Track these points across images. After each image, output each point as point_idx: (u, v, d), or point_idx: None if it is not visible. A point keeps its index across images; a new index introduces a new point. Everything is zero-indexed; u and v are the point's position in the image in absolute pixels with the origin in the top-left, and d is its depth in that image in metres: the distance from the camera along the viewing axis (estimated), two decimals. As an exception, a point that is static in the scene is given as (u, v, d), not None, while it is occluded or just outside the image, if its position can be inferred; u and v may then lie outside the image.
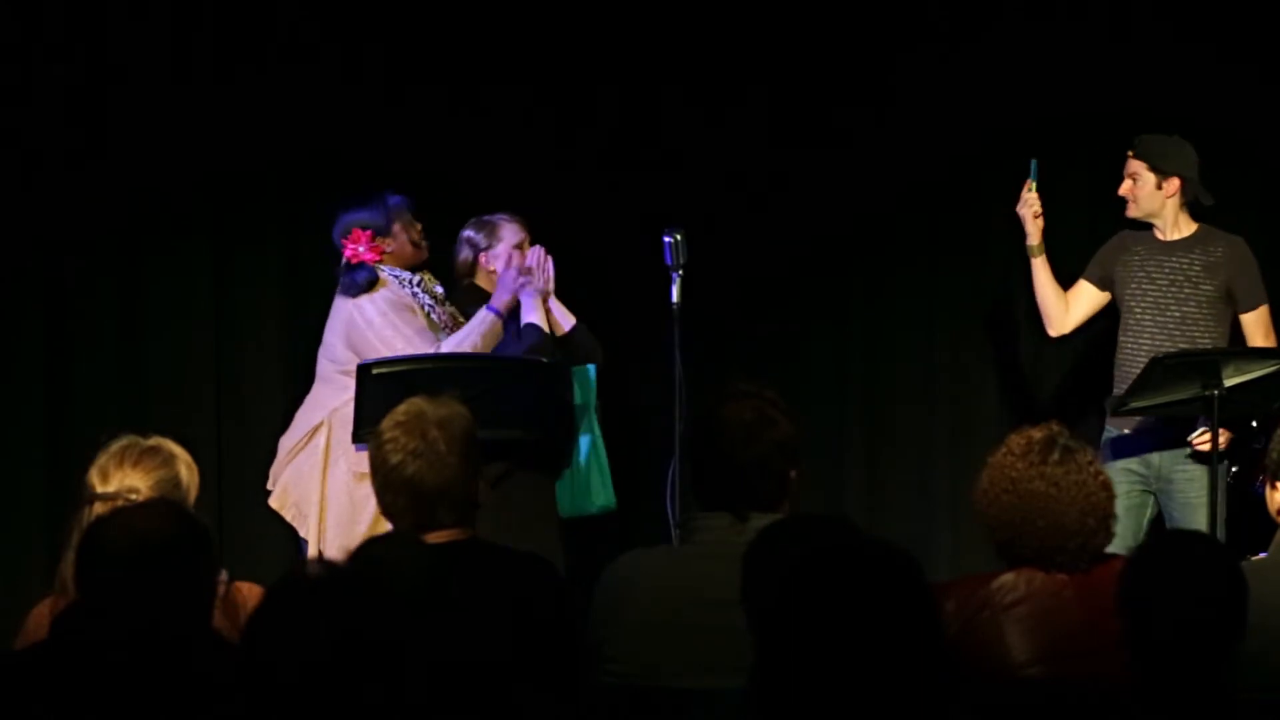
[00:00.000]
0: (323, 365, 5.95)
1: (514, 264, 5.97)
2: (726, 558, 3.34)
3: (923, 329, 7.20)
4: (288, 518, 5.89)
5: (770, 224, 7.11)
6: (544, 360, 5.72)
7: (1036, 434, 3.82)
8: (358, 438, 5.56)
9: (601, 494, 6.01)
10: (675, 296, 5.84)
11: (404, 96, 6.83)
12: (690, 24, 7.06)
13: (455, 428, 3.78)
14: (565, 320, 6.05)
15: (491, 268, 6.05)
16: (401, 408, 3.83)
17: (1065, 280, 6.37)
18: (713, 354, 6.71)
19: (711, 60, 7.08)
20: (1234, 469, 5.95)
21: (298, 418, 5.96)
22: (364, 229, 5.92)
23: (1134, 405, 5.94)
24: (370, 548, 3.41)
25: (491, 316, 5.87)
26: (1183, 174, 6.21)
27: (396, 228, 5.96)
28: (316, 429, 5.87)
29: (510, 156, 6.80)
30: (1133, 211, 6.27)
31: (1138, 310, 6.23)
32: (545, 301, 5.98)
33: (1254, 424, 5.82)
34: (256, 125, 6.62)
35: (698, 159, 7.06)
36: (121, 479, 3.77)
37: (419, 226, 6.02)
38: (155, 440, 3.88)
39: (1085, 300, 6.35)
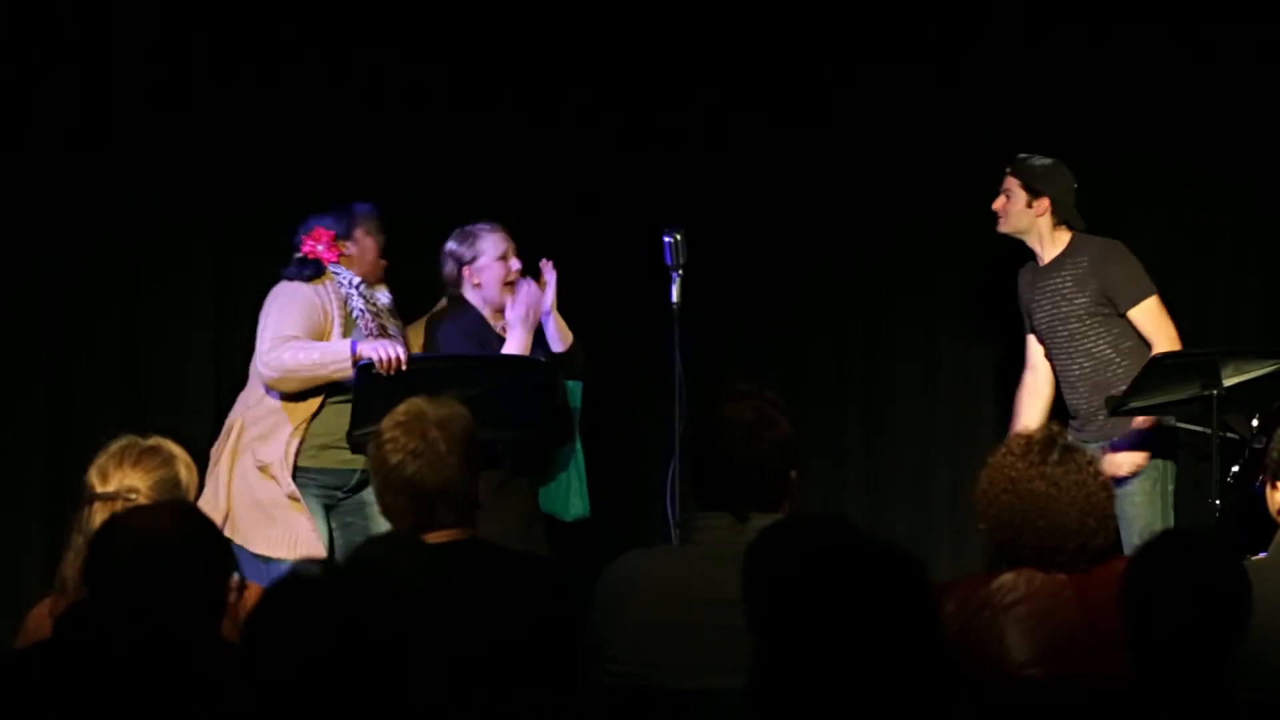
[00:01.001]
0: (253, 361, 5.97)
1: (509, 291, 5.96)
2: (726, 558, 3.33)
3: (923, 329, 7.21)
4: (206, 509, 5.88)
5: (770, 224, 7.11)
6: (543, 360, 5.72)
7: (1036, 434, 3.82)
8: (356, 438, 5.57)
9: (579, 504, 6.04)
10: (675, 296, 5.84)
11: (403, 97, 6.83)
12: (689, 24, 7.06)
13: (455, 428, 3.78)
14: (557, 342, 6.02)
15: (476, 280, 6.03)
16: (401, 408, 3.83)
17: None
18: (713, 354, 6.72)
19: (711, 60, 7.08)
20: (1234, 469, 5.95)
21: (229, 416, 5.98)
22: (326, 230, 5.94)
23: (1133, 405, 5.95)
24: (370, 548, 3.41)
25: (345, 347, 5.73)
26: (1054, 196, 6.29)
27: (359, 233, 5.98)
28: (229, 429, 5.89)
29: (510, 157, 6.80)
30: (1003, 227, 6.37)
31: (1042, 337, 6.36)
32: (535, 323, 5.94)
33: (1254, 423, 5.82)
34: (256, 125, 6.62)
35: (698, 159, 7.06)
36: (121, 479, 3.77)
37: (381, 236, 6.03)
38: (154, 440, 3.88)
39: (1032, 351, 6.43)
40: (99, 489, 3.76)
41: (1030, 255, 6.42)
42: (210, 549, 3.20)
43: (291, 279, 5.91)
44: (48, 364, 6.48)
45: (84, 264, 6.53)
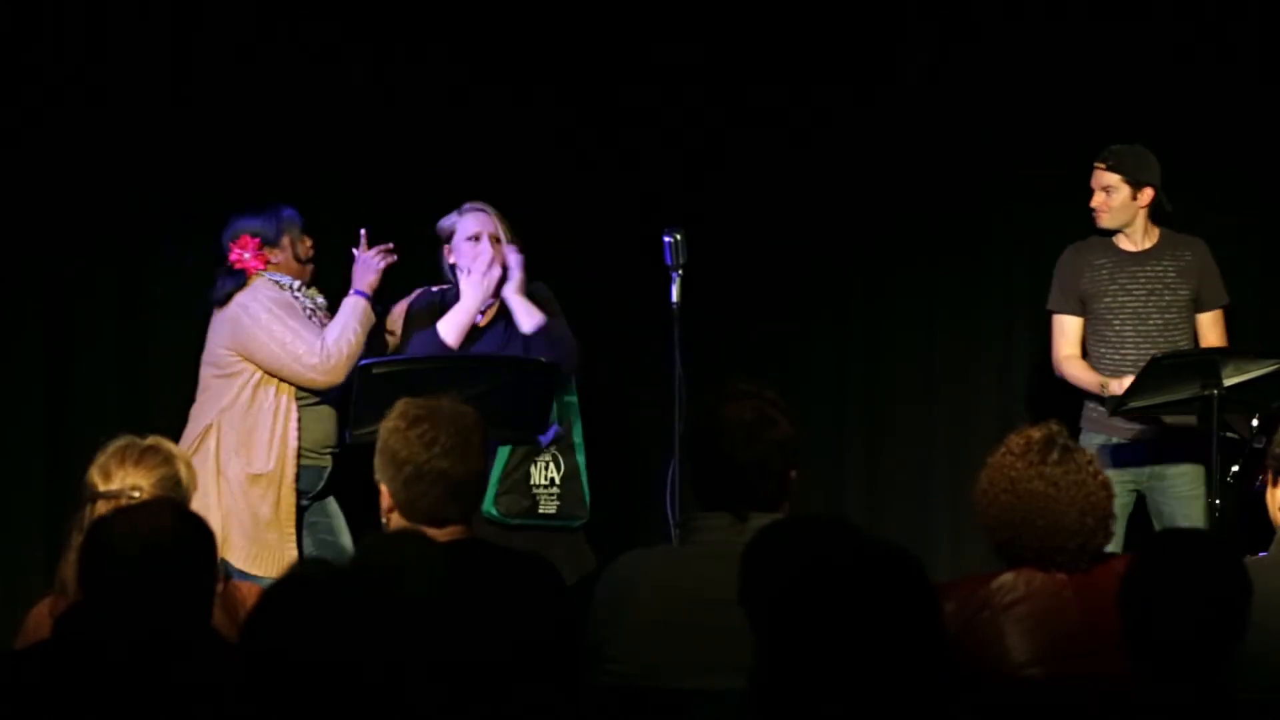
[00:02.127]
0: (204, 376, 5.95)
1: (461, 258, 5.96)
2: (726, 558, 3.33)
3: (923, 329, 7.21)
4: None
5: (770, 224, 7.11)
6: (543, 360, 5.72)
7: (1036, 434, 3.82)
8: (355, 436, 5.56)
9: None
10: (675, 296, 5.83)
11: (402, 96, 6.83)
12: (690, 25, 7.06)
13: (469, 420, 3.79)
14: (526, 320, 5.99)
15: (452, 259, 6.04)
16: (415, 402, 3.82)
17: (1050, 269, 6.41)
18: (713, 354, 6.71)
19: (711, 60, 7.08)
20: (1234, 468, 5.96)
21: (185, 432, 5.90)
22: (253, 236, 5.92)
23: (1133, 405, 5.95)
24: (378, 546, 3.41)
25: (354, 299, 5.90)
26: (1155, 183, 6.29)
27: (285, 240, 5.97)
28: (205, 432, 5.84)
29: (510, 157, 6.80)
30: (1106, 222, 6.32)
31: (1116, 322, 6.30)
32: (497, 297, 5.94)
33: (1254, 423, 5.82)
34: (257, 125, 6.62)
35: (698, 159, 7.06)
36: (124, 477, 3.77)
37: (308, 242, 6.03)
38: (153, 439, 3.89)
39: (1078, 333, 6.40)
40: (102, 487, 3.77)
41: (1070, 235, 6.41)
42: (203, 546, 3.20)
43: (224, 302, 5.87)
44: (48, 364, 6.49)
45: (84, 264, 6.54)
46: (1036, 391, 7.04)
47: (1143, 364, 6.02)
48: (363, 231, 6.02)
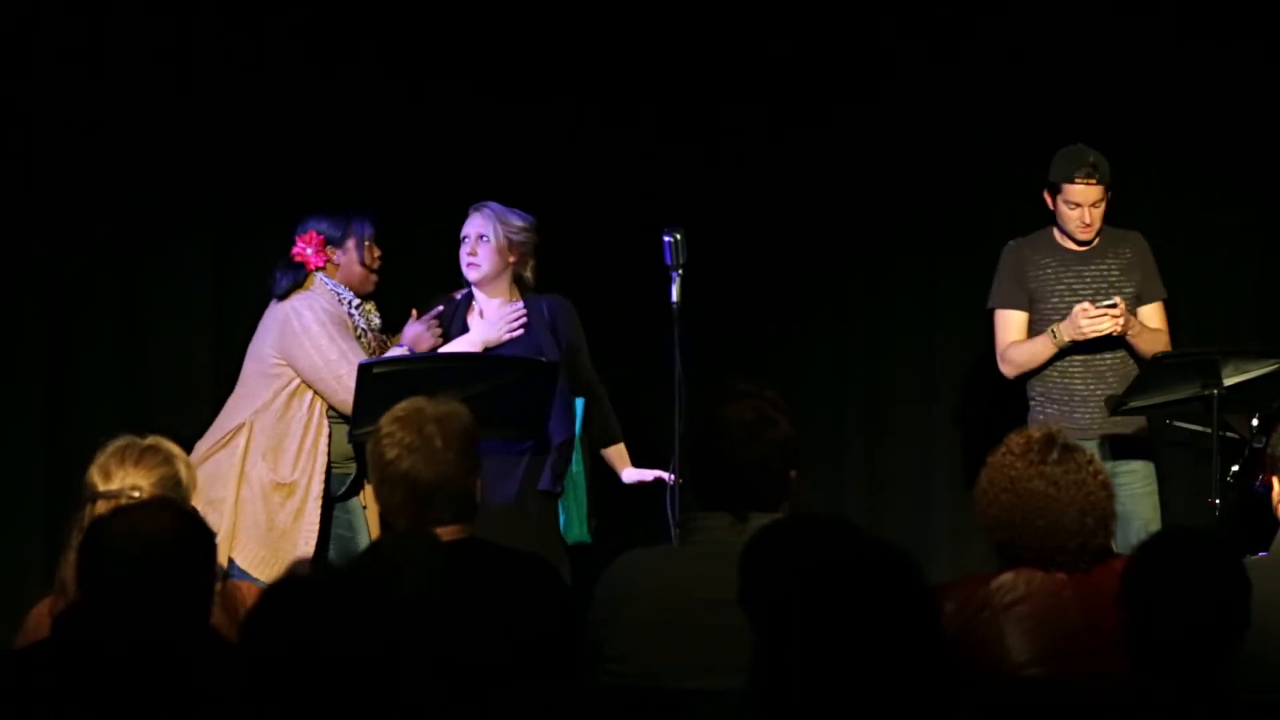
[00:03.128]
0: (247, 368, 5.89)
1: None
2: (726, 558, 3.34)
3: (923, 329, 7.21)
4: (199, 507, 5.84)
5: (770, 224, 7.11)
6: (543, 360, 5.72)
7: (1036, 433, 3.82)
8: (355, 436, 5.57)
9: (575, 527, 6.02)
10: (675, 296, 5.83)
11: (403, 96, 6.83)
12: (689, 24, 7.06)
13: (454, 424, 3.78)
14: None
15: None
16: (401, 405, 3.83)
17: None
18: (713, 354, 6.71)
19: (711, 61, 7.08)
20: (1234, 468, 5.96)
21: (217, 421, 5.87)
22: (320, 233, 5.88)
23: (1133, 405, 5.95)
24: (382, 546, 3.41)
25: (402, 349, 5.86)
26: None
27: (351, 243, 5.89)
28: (237, 430, 5.79)
29: (510, 157, 6.80)
30: (1090, 235, 6.17)
31: (1059, 321, 6.16)
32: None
33: (1254, 423, 5.82)
34: (256, 125, 6.62)
35: (698, 159, 7.06)
36: (124, 477, 3.77)
37: (377, 251, 5.93)
38: (152, 439, 3.89)
39: (1024, 329, 6.27)
40: (102, 487, 3.76)
41: (1000, 234, 6.35)
42: (202, 546, 3.20)
43: (282, 296, 5.81)
44: (48, 364, 6.48)
45: (84, 264, 6.53)
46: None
47: (1091, 365, 6.00)
48: (414, 311, 5.98)
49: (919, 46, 7.10)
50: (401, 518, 3.75)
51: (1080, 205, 6.13)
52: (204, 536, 3.22)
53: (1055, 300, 6.21)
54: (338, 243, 5.88)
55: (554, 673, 3.65)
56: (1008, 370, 6.25)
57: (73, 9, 6.49)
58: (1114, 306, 6.01)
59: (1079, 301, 6.10)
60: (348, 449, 5.86)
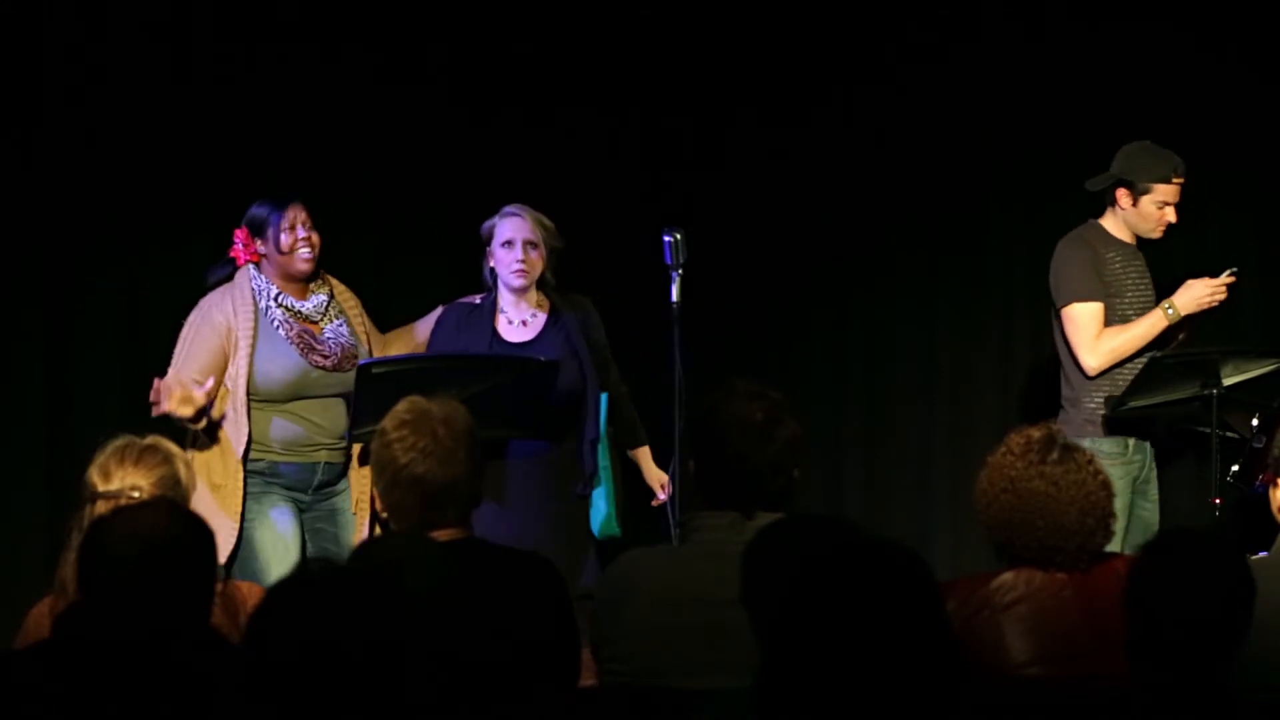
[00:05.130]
0: None
1: None
2: (727, 557, 3.34)
3: (923, 329, 7.21)
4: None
5: (770, 224, 7.11)
6: (543, 360, 5.71)
7: (1036, 433, 3.82)
8: (356, 436, 5.56)
9: (606, 522, 5.95)
10: (675, 296, 5.83)
11: (404, 97, 6.83)
12: (689, 25, 7.06)
13: (459, 425, 3.78)
14: None
15: (491, 264, 5.96)
16: (403, 406, 3.82)
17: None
18: (713, 354, 6.71)
19: (712, 61, 7.08)
20: (1234, 468, 5.96)
21: None
22: (247, 226, 5.80)
23: (1133, 405, 5.94)
24: (381, 546, 3.41)
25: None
26: None
27: (270, 233, 5.75)
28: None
29: (509, 157, 6.80)
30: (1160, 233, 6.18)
31: (1134, 316, 6.14)
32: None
33: (1254, 423, 5.82)
34: (256, 124, 6.62)
35: (698, 159, 7.06)
36: (123, 477, 3.77)
37: (300, 235, 5.74)
38: (152, 439, 3.89)
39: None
40: (102, 487, 3.76)
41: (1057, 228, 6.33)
42: (202, 546, 3.20)
43: (211, 287, 5.77)
44: (48, 364, 6.48)
45: (84, 264, 6.53)
46: (1037, 391, 7.05)
47: (1132, 362, 5.98)
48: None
49: (919, 46, 7.10)
50: (409, 519, 3.74)
51: (1170, 204, 6.13)
52: (204, 536, 3.22)
53: (1130, 295, 6.12)
54: (260, 233, 5.78)
55: (555, 673, 3.65)
56: (1101, 362, 6.04)
57: (73, 8, 6.49)
58: (1233, 277, 6.01)
59: (1148, 293, 6.09)
60: (290, 436, 5.74)
